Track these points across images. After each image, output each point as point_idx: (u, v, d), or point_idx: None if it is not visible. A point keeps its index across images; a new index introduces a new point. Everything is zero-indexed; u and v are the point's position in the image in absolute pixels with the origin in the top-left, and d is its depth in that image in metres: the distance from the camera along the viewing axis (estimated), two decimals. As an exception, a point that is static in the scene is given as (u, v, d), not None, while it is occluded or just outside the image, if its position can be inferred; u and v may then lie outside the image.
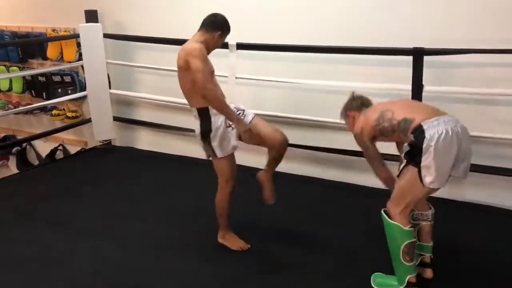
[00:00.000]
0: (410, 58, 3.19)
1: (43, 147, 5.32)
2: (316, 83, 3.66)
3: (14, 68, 5.06)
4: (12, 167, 5.51)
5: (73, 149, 5.14)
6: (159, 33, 4.17)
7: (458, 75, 3.27)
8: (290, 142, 3.83)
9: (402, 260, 2.29)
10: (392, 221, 2.29)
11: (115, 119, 4.63)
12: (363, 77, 3.50)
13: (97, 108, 4.50)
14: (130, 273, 2.62)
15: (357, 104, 2.59)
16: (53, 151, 5.22)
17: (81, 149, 5.04)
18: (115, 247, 2.87)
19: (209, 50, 2.65)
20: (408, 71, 3.21)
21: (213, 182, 2.76)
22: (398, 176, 2.33)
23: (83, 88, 4.75)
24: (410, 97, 3.20)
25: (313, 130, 3.83)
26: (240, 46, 3.73)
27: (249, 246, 2.82)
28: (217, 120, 2.60)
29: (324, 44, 3.51)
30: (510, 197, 3.30)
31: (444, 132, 2.14)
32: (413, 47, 3.17)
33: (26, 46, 5.02)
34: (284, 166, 3.83)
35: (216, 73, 3.18)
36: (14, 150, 5.41)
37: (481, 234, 2.97)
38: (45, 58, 4.89)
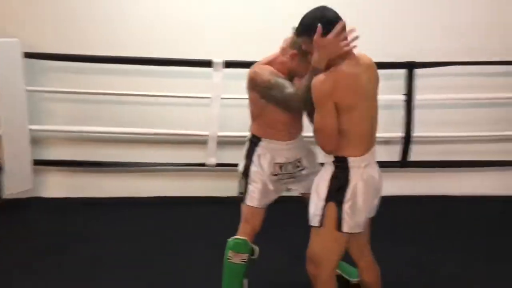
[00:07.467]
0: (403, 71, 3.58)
1: None
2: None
3: None
4: None
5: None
6: (75, 51, 3.42)
7: (447, 84, 3.73)
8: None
9: None
10: None
11: (36, 162, 3.51)
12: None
13: (13, 151, 3.31)
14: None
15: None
16: None
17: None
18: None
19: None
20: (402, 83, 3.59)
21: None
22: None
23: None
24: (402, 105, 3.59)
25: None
26: (229, 64, 3.39)
27: None
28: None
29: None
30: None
31: None
32: (406, 61, 3.56)
33: None
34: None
35: (196, 94, 3.39)
36: None
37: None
38: None
